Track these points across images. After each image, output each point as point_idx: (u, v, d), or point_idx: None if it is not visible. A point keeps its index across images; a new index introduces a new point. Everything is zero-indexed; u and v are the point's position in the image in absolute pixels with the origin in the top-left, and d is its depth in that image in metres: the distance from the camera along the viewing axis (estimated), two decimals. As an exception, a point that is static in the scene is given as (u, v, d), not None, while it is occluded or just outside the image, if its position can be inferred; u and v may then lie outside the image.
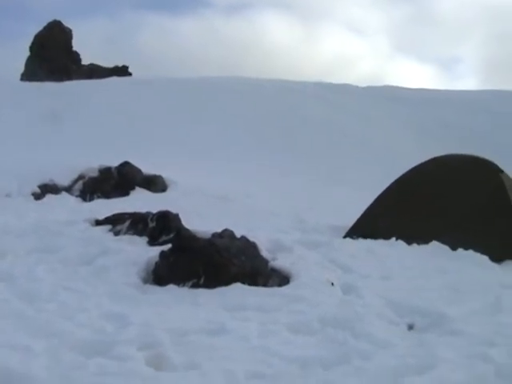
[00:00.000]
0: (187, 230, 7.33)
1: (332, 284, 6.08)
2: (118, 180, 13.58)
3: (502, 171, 9.51)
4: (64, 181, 13.29)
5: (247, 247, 6.69)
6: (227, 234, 6.93)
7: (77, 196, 12.93)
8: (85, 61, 32.86)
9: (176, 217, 7.71)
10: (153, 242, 7.31)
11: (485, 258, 7.88)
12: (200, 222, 8.48)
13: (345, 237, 9.13)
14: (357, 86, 31.72)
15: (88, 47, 67.77)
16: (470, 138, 21.59)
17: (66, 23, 33.12)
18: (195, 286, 6.14)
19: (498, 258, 8.13)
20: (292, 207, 12.26)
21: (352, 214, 9.84)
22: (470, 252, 7.98)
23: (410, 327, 5.29)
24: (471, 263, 7.59)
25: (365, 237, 8.77)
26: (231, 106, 23.97)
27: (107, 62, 32.86)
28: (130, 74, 31.44)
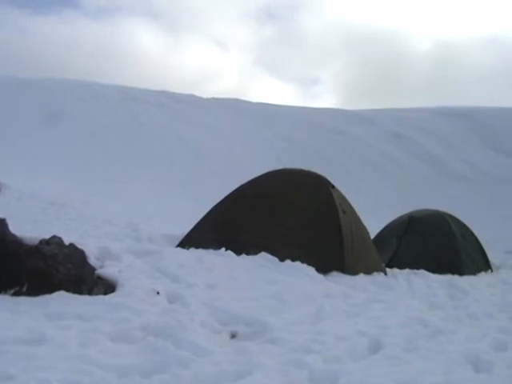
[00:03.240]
0: (14, 235, 7.06)
1: (157, 293, 6.07)
2: None
3: (332, 186, 9.93)
4: None
5: (74, 255, 6.54)
6: (55, 241, 6.73)
7: None
8: None
9: (2, 222, 7.40)
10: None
11: (311, 269, 8.18)
12: (31, 227, 8.24)
13: (177, 246, 9.18)
14: (201, 97, 31.98)
15: None
16: (307, 152, 22.41)
17: None
18: (17, 293, 5.92)
19: (324, 269, 8.48)
20: (129, 215, 12.19)
21: (188, 224, 9.91)
22: (298, 263, 8.25)
23: (233, 335, 5.39)
24: (298, 274, 7.85)
25: (196, 246, 8.85)
26: (75, 111, 23.49)
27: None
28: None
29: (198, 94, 31.90)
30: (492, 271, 13.54)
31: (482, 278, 11.92)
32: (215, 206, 9.85)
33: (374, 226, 13.99)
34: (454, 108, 52.52)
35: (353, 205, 10.64)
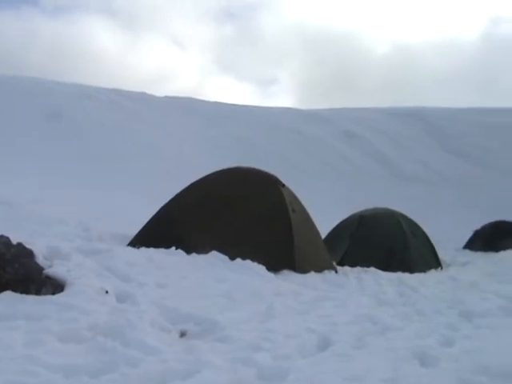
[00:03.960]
0: (-41, 235, 6.94)
1: (106, 292, 6.01)
2: None
3: (283, 185, 9.97)
4: None
5: (22, 254, 6.45)
6: (2, 241, 6.62)
7: None
8: None
9: None
10: None
11: (262, 268, 8.21)
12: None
13: (128, 245, 9.12)
14: (154, 96, 31.81)
15: None
16: (262, 151, 22.47)
17: None
18: (-37, 294, 5.81)
19: (275, 267, 8.52)
20: (80, 214, 12.05)
21: (139, 223, 9.85)
22: (248, 262, 8.27)
23: (183, 334, 5.37)
24: (248, 272, 7.88)
25: (147, 246, 8.80)
26: (25, 108, 23.17)
27: None
28: None
29: (155, 93, 31.75)
30: (442, 269, 13.74)
31: (432, 275, 12.10)
32: (165, 204, 9.82)
33: (328, 225, 14.11)
34: (406, 108, 53.12)
35: (308, 204, 10.71)
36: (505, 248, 17.77)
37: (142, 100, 27.98)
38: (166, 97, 31.87)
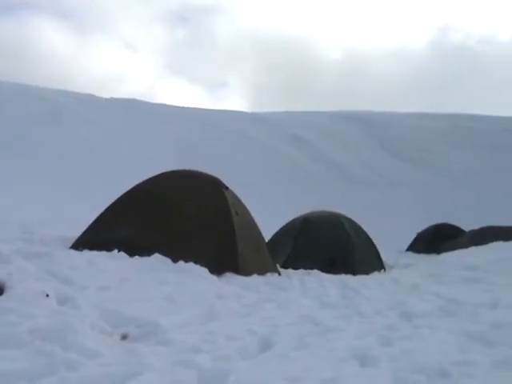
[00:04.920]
0: None
1: (47, 295, 5.94)
2: None
3: (226, 188, 9.99)
4: None
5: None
6: None
7: None
8: None
9: None
10: None
11: (205, 270, 8.22)
12: None
13: (70, 248, 9.02)
14: (100, 97, 31.55)
15: None
16: (207, 154, 22.47)
17: None
18: None
19: (217, 270, 8.54)
20: (22, 216, 11.87)
21: (83, 226, 9.76)
22: (191, 264, 8.27)
23: (124, 337, 5.34)
24: (191, 275, 7.87)
25: (90, 248, 8.73)
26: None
27: None
28: None
29: (103, 94, 31.50)
30: (385, 271, 13.94)
31: (375, 277, 12.27)
32: (108, 207, 9.75)
33: (274, 228, 14.19)
34: (353, 112, 53.81)
35: (254, 207, 10.76)
36: (446, 250, 18.12)
37: (88, 101, 27.71)
38: (112, 98, 31.63)
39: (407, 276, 11.83)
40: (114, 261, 8.13)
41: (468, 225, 21.56)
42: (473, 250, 15.78)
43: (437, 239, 21.46)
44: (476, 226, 20.33)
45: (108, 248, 8.61)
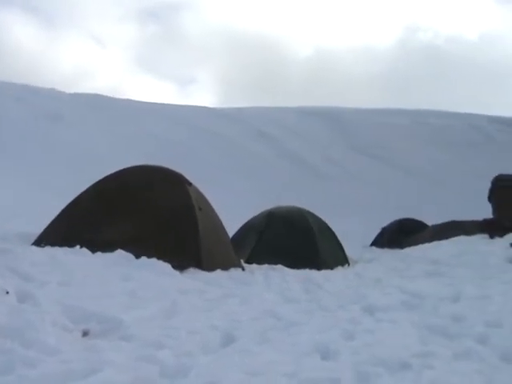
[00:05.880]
0: None
1: (7, 292, 5.87)
2: None
3: (190, 184, 9.97)
4: None
5: None
6: None
7: None
8: None
9: None
10: None
11: (167, 266, 8.19)
12: None
13: (32, 244, 8.94)
14: (63, 92, 31.29)
15: None
16: (172, 149, 22.41)
17: None
18: None
19: (181, 265, 8.53)
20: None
21: (46, 221, 9.68)
22: (154, 260, 8.24)
23: (85, 333, 5.30)
24: (154, 271, 7.84)
25: (52, 244, 8.65)
26: None
27: None
28: None
29: (68, 90, 31.19)
30: (349, 265, 14.02)
31: (339, 271, 12.33)
32: (70, 203, 9.67)
33: (239, 224, 14.18)
34: (318, 108, 54.00)
35: (219, 203, 10.76)
36: (409, 244, 18.26)
37: (51, 96, 27.43)
38: (76, 93, 31.40)
39: (371, 270, 11.92)
40: (76, 257, 8.06)
41: (432, 220, 21.76)
42: (435, 244, 15.93)
43: (401, 234, 21.61)
44: (440, 221, 20.54)
45: (70, 244, 8.55)
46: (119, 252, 8.35)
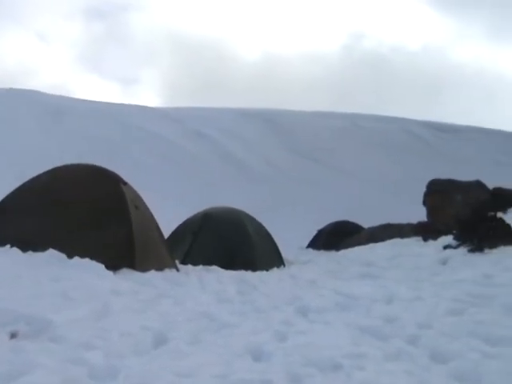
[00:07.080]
0: None
1: None
2: None
3: (125, 183, 9.86)
4: None
5: None
6: None
7: None
8: None
9: None
10: None
11: (101, 266, 8.08)
12: None
13: (-40, 244, 8.69)
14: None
15: None
16: (106, 148, 22.17)
17: None
18: None
19: (114, 266, 8.41)
20: None
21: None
22: (87, 260, 8.11)
23: (13, 335, 5.17)
24: (86, 271, 7.71)
25: (-19, 244, 8.45)
26: None
27: None
28: None
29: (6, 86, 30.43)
30: (284, 267, 14.09)
31: (274, 273, 12.39)
32: (1, 201, 9.44)
33: (174, 225, 14.09)
34: (256, 110, 54.19)
35: (153, 203, 10.65)
36: (345, 247, 18.49)
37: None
38: (12, 89, 30.78)
39: (306, 272, 12.00)
40: (6, 256, 7.89)
41: (369, 222, 22.08)
42: (371, 246, 16.19)
43: (337, 236, 21.86)
44: (375, 224, 20.85)
45: (0, 243, 8.36)
46: (51, 251, 8.18)
